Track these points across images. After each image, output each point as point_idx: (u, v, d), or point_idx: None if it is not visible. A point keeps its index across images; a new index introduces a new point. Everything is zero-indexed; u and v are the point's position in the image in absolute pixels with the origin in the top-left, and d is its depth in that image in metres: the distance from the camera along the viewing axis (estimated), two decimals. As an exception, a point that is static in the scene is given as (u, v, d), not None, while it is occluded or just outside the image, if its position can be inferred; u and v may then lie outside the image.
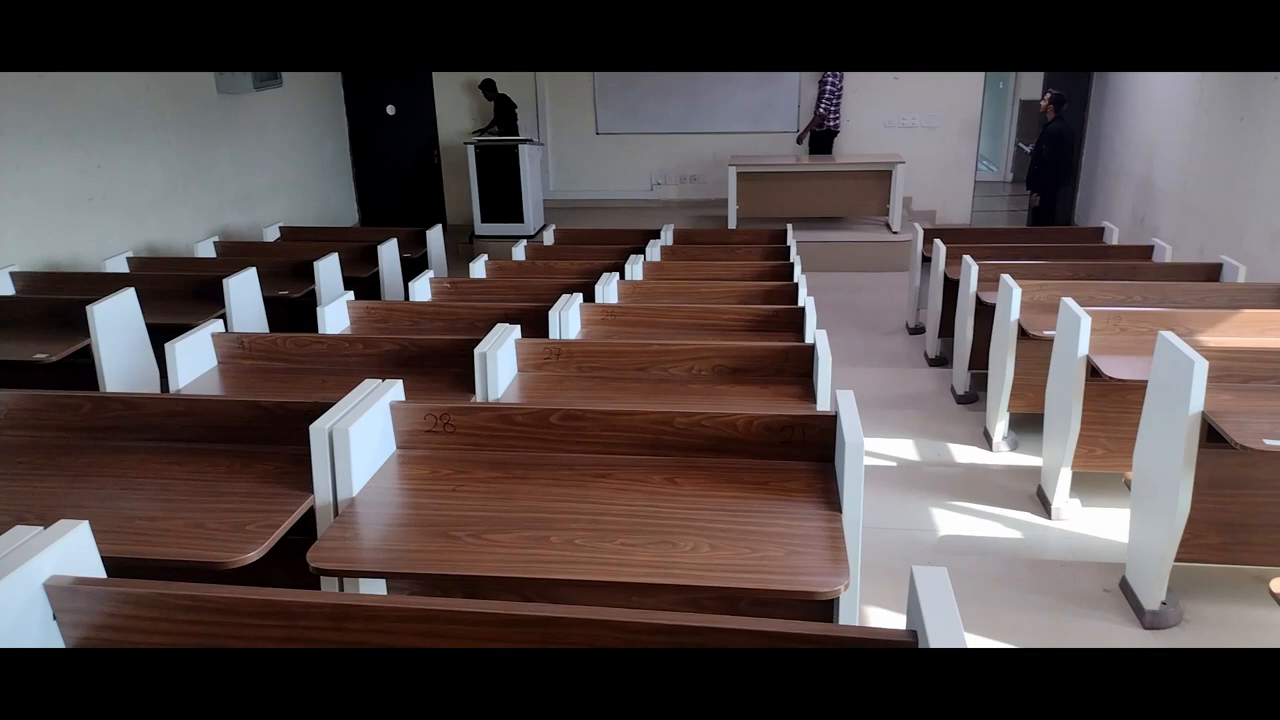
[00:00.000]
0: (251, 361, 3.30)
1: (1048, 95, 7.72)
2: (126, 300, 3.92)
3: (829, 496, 2.03)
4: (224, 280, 4.30)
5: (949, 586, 1.29)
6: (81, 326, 3.74)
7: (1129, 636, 3.00)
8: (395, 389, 2.35)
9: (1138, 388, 3.18)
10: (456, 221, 9.53)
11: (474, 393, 2.92)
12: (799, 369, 3.02)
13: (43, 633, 1.44)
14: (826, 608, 1.96)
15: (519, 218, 8.46)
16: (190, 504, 2.11)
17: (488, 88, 9.06)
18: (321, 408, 2.20)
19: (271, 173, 7.84)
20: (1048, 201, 7.92)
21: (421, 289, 4.26)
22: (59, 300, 4.07)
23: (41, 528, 1.52)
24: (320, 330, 3.63)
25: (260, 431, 2.41)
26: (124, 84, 5.88)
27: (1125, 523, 3.29)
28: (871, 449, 4.39)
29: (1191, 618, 3.05)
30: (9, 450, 2.41)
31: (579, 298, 3.75)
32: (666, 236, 5.76)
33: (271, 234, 6.34)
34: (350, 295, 3.90)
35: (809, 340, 3.32)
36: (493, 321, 3.18)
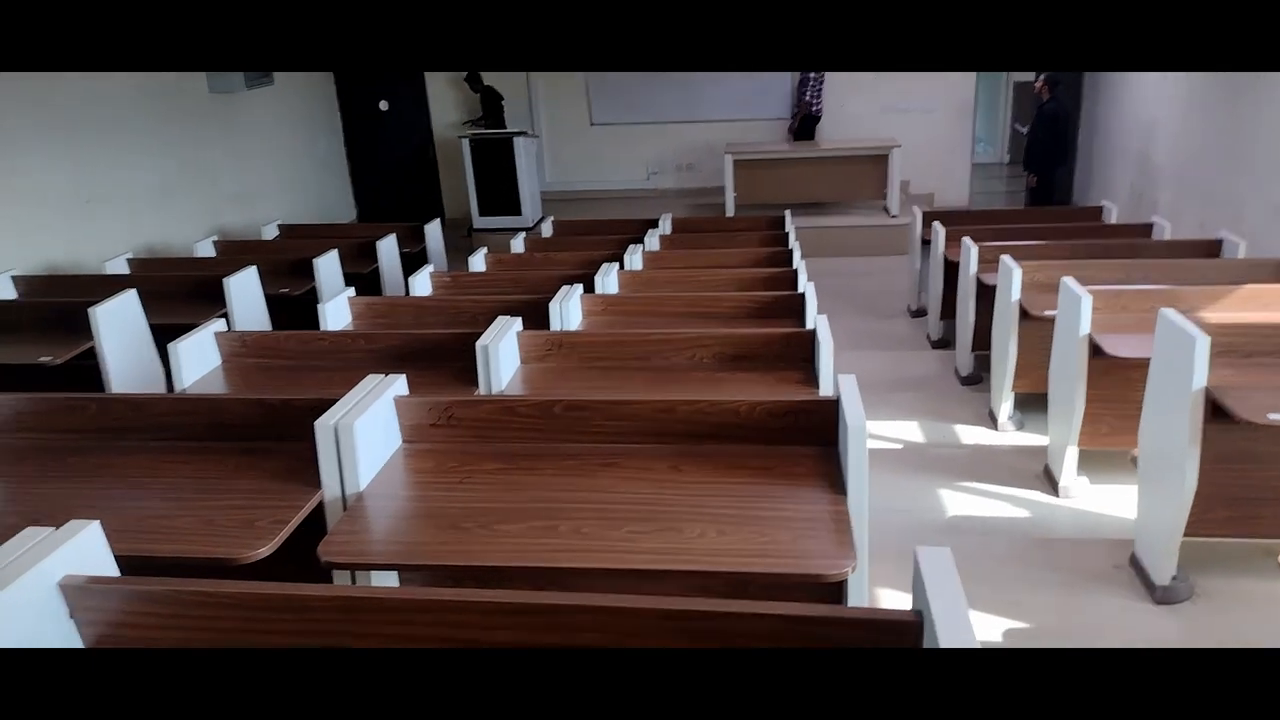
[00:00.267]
0: (255, 360, 3.30)
1: (1042, 76, 7.70)
2: (128, 301, 3.92)
3: (834, 480, 2.04)
4: (225, 279, 4.30)
5: (953, 566, 1.30)
6: (84, 329, 3.75)
7: (1139, 612, 3.01)
8: (399, 383, 2.35)
9: (1141, 365, 3.18)
10: (454, 215, 9.52)
11: (477, 386, 2.93)
12: (800, 354, 3.02)
13: (60, 631, 1.45)
14: (835, 590, 1.96)
15: (517, 210, 8.46)
16: (199, 502, 2.11)
17: (473, 79, 9.04)
18: (326, 404, 2.20)
19: (267, 171, 7.83)
20: (1045, 182, 7.91)
21: (422, 284, 4.26)
22: (61, 303, 4.08)
23: (53, 529, 1.52)
24: (322, 327, 3.63)
25: (266, 429, 2.41)
26: (116, 86, 5.87)
27: (1133, 499, 3.29)
28: (877, 432, 4.39)
29: (1202, 592, 3.06)
30: (18, 453, 2.42)
31: (579, 289, 3.75)
32: (665, 226, 5.76)
33: (270, 232, 6.34)
34: (351, 291, 3.90)
35: (810, 326, 3.32)
36: (494, 314, 3.18)
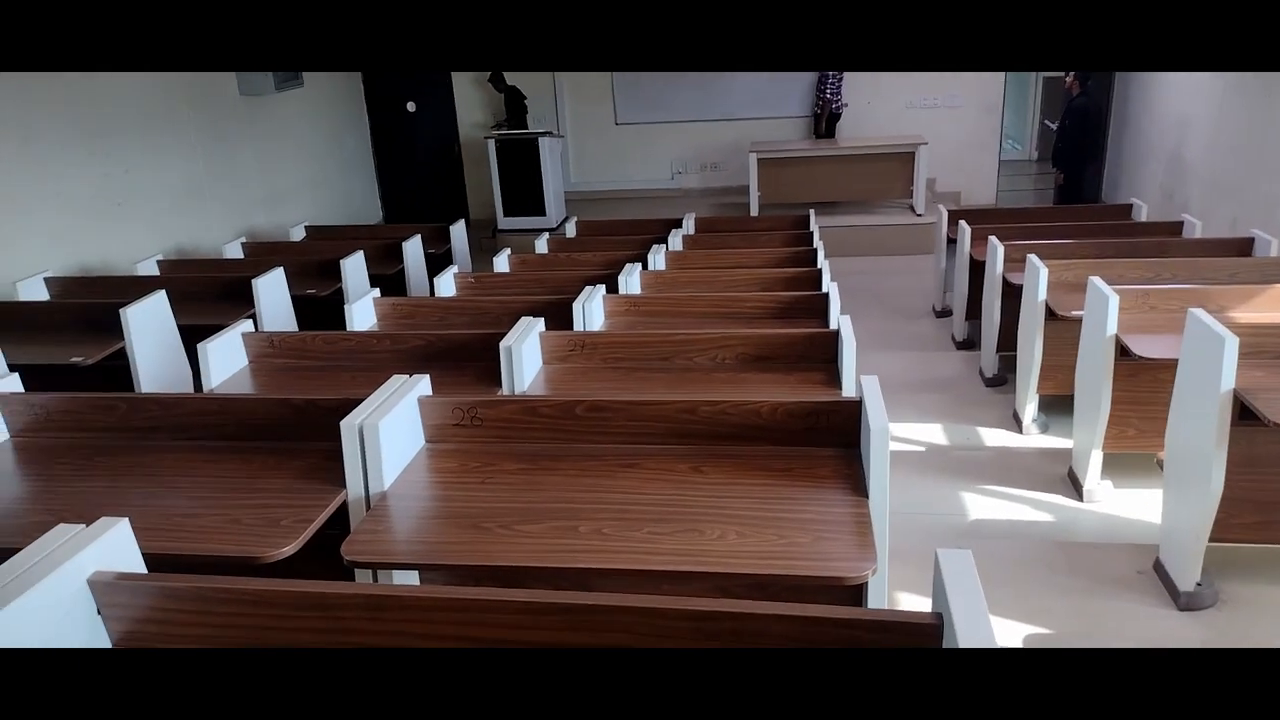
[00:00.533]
0: (282, 360, 3.34)
1: (1072, 71, 7.61)
2: (158, 302, 3.98)
3: (855, 482, 2.03)
4: (252, 280, 4.36)
5: (974, 569, 1.29)
6: (115, 329, 3.81)
7: (1163, 618, 2.97)
8: (423, 384, 2.37)
9: (1168, 366, 3.14)
10: (479, 216, 9.58)
11: (500, 386, 2.95)
12: (823, 355, 3.02)
13: (89, 627, 1.48)
14: (855, 593, 1.96)
15: (541, 211, 8.49)
16: (226, 501, 2.15)
17: (497, 80, 9.08)
18: (351, 404, 2.23)
19: (295, 173, 7.92)
20: (1074, 179, 7.83)
21: (446, 284, 4.29)
22: (93, 304, 4.15)
23: (83, 526, 1.55)
24: (348, 328, 3.67)
25: (292, 429, 2.45)
26: (147, 88, 5.96)
27: (1158, 504, 3.25)
28: (900, 434, 4.37)
29: (1227, 598, 3.02)
30: (49, 452, 2.47)
31: (602, 289, 3.76)
32: (688, 225, 5.76)
33: (297, 234, 6.41)
34: (376, 292, 3.94)
35: (833, 326, 3.32)
36: (517, 315, 3.20)
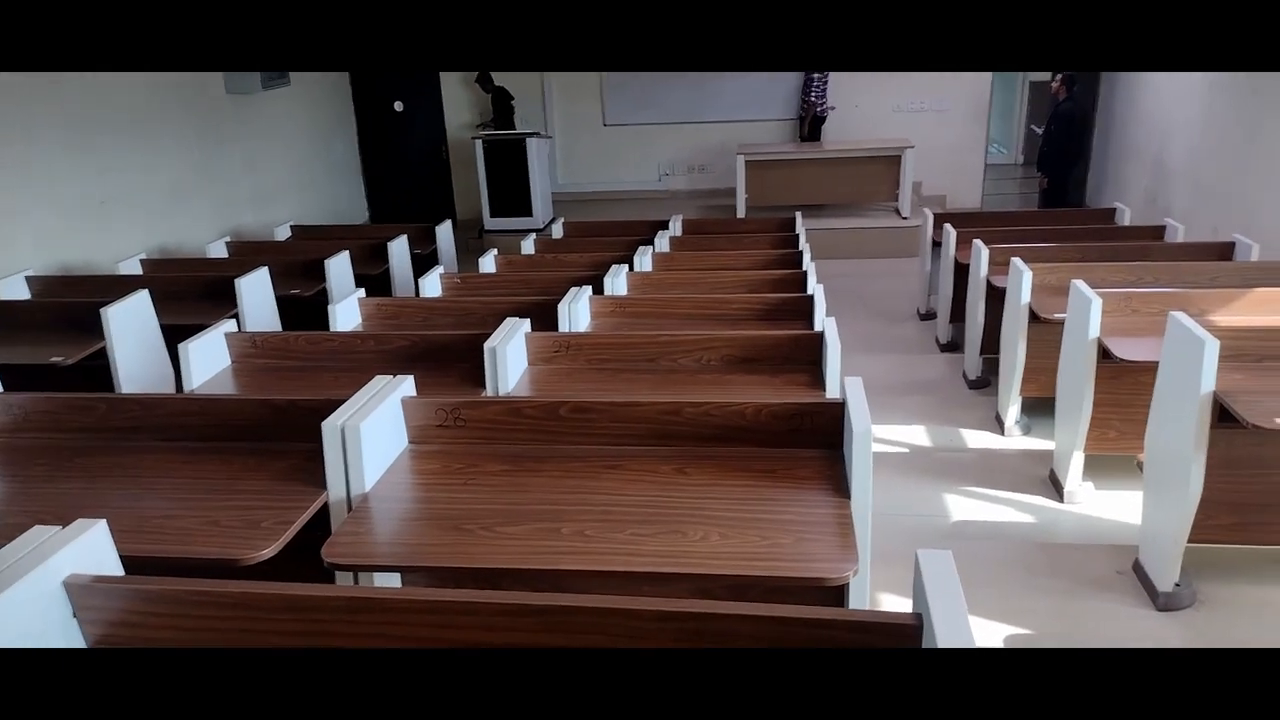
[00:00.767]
0: (264, 360, 3.33)
1: (1059, 76, 7.65)
2: (140, 302, 3.96)
3: (838, 483, 2.04)
4: (236, 280, 4.33)
5: (954, 569, 1.30)
6: (96, 329, 3.78)
7: (1142, 618, 2.99)
8: (406, 384, 2.37)
9: (1149, 369, 3.16)
10: (466, 216, 9.55)
11: (485, 387, 2.94)
12: (808, 357, 3.03)
13: (63, 630, 1.47)
14: (837, 594, 1.96)
15: (528, 211, 8.48)
16: (205, 502, 2.13)
17: (484, 80, 9.07)
18: (333, 405, 2.22)
19: (282, 172, 7.88)
20: (1058, 183, 7.87)
21: (432, 285, 4.28)
22: (74, 303, 4.11)
23: (60, 527, 1.54)
24: (332, 328, 3.65)
25: (273, 429, 2.43)
26: (133, 87, 5.92)
27: (1138, 505, 3.28)
28: (884, 435, 4.39)
29: (1205, 599, 3.04)
30: (27, 452, 2.44)
31: (588, 290, 3.76)
32: (675, 227, 5.76)
33: (283, 233, 6.38)
34: (361, 292, 3.93)
35: (818, 328, 3.32)
36: (503, 316, 3.19)
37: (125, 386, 3.79)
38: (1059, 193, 7.89)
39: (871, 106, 9.26)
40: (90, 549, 1.53)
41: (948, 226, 5.43)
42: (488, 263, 4.80)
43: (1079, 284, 3.61)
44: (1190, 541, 2.93)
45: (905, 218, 8.21)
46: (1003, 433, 4.38)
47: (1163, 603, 3.01)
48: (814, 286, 3.72)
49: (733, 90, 9.42)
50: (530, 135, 8.39)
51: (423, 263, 5.70)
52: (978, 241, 4.75)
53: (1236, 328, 3.12)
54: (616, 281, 4.09)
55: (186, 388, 3.09)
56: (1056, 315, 3.85)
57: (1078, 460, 3.69)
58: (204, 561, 1.90)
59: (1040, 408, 4.33)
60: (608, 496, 2.05)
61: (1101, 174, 8.87)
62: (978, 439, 4.37)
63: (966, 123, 9.25)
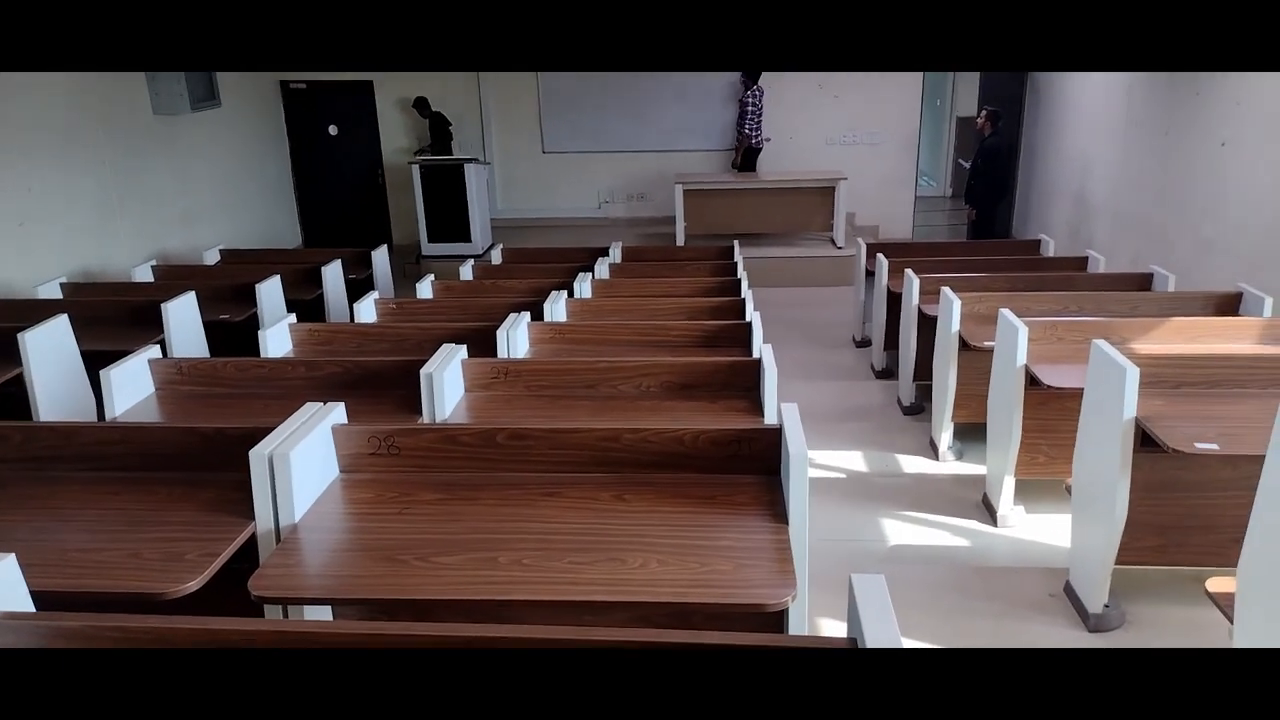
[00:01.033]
0: (190, 387, 3.23)
1: (984, 112, 7.92)
2: (59, 327, 3.82)
3: (776, 509, 2.04)
4: (162, 305, 4.21)
5: (886, 593, 1.31)
6: (13, 355, 3.63)
7: (1074, 639, 3.06)
8: (337, 412, 2.31)
9: (1075, 395, 3.25)
10: (403, 242, 9.45)
11: (420, 414, 2.89)
12: (746, 383, 3.05)
13: (-33, 672, 1.39)
14: (777, 619, 1.97)
15: (466, 237, 8.43)
16: (126, 534, 2.05)
17: (421, 105, 9.03)
18: (262, 433, 2.16)
19: (211, 194, 7.71)
20: (985, 215, 8.12)
21: (367, 310, 4.22)
22: (-12, 328, 3.95)
23: (-35, 563, 1.46)
24: (262, 354, 3.57)
25: (199, 459, 2.36)
26: (55, 105, 5.75)
27: (1068, 528, 3.36)
28: (821, 461, 4.43)
29: (1134, 619, 3.12)
30: (-67, 484, 2.32)
31: (527, 316, 3.74)
32: (615, 254, 5.78)
33: (212, 257, 6.24)
34: (292, 318, 3.84)
35: (756, 355, 3.35)
36: (439, 342, 3.15)
37: (44, 415, 3.64)
38: (987, 224, 8.13)
39: (805, 139, 9.46)
40: (-3, 585, 1.46)
41: (880, 256, 5.54)
42: (425, 288, 4.74)
43: (1006, 313, 3.71)
44: (1118, 563, 3.01)
45: (840, 247, 8.37)
46: (937, 458, 4.46)
47: (1093, 624, 3.08)
48: (752, 314, 3.76)
49: (670, 119, 9.53)
50: (469, 161, 8.36)
51: (358, 288, 5.62)
52: (909, 271, 4.86)
53: (1155, 355, 3.23)
54: (556, 308, 4.08)
55: (108, 416, 2.98)
56: (986, 343, 3.95)
57: (1009, 485, 3.77)
58: (125, 596, 1.82)
59: (973, 433, 4.42)
60: (546, 524, 2.03)
61: (1026, 207, 9.18)
62: (913, 464, 4.44)
63: (897, 155, 9.50)
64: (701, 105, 9.47)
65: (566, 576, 1.81)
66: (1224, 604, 2.28)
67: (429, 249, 8.49)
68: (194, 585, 1.84)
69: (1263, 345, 3.70)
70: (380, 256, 6.18)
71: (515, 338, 3.56)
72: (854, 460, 4.48)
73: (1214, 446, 2.72)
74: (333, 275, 5.57)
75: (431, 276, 4.86)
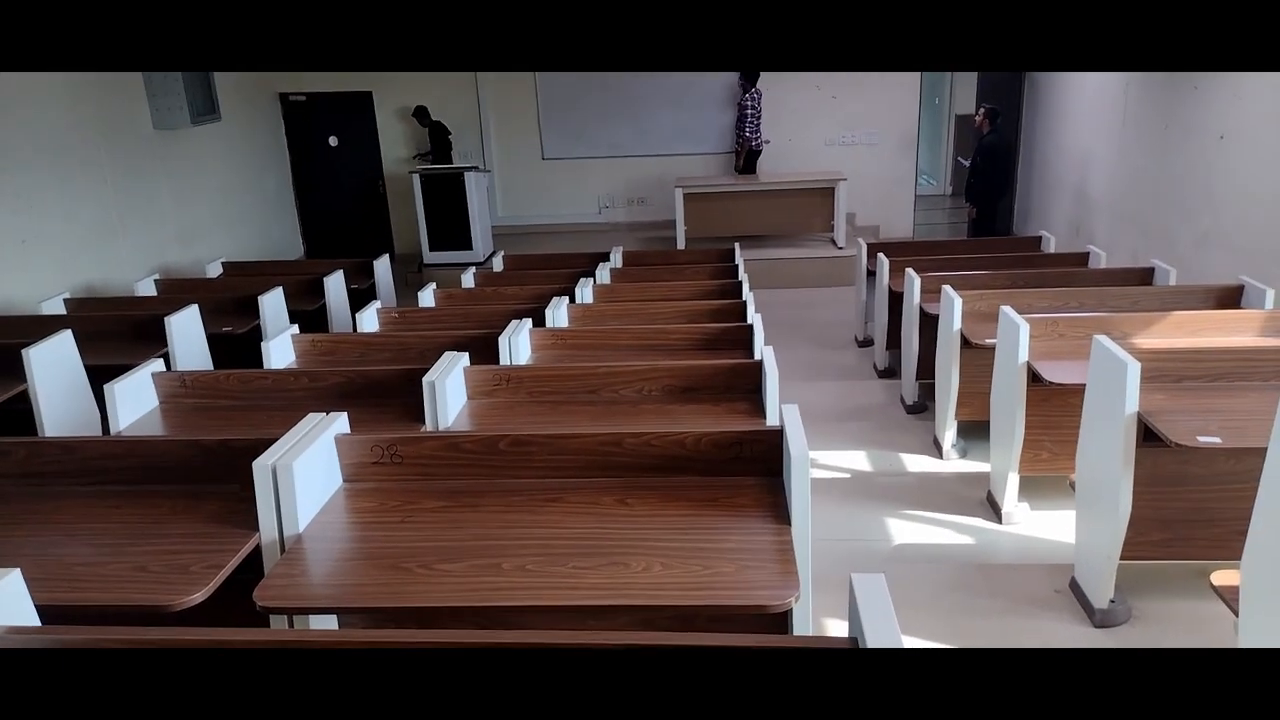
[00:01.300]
0: (194, 400, 3.24)
1: (982, 110, 7.92)
2: (63, 342, 3.83)
3: (778, 510, 2.05)
4: (165, 318, 4.23)
5: (886, 592, 1.31)
6: (18, 371, 3.65)
7: (1080, 635, 3.05)
8: (340, 421, 2.32)
9: (1077, 391, 3.25)
10: (404, 251, 9.48)
11: (424, 422, 2.90)
12: (748, 385, 3.05)
13: (-25, 687, 1.40)
14: (780, 621, 1.97)
15: (467, 245, 8.45)
16: (131, 547, 2.06)
17: (421, 115, 9.06)
18: (265, 444, 2.17)
19: (213, 208, 7.74)
20: (985, 213, 8.11)
21: (369, 320, 4.23)
22: (-7, 345, 3.96)
23: (-30, 578, 1.47)
24: (265, 366, 3.58)
25: (203, 471, 2.37)
26: (56, 121, 5.77)
27: (1073, 524, 3.36)
28: (825, 461, 4.43)
29: (1140, 614, 3.11)
30: (-60, 501, 2.34)
31: (528, 323, 3.75)
32: (615, 259, 5.79)
33: (214, 270, 6.26)
34: (295, 329, 3.86)
35: (758, 357, 3.36)
36: (442, 350, 3.16)
37: (49, 430, 3.66)
38: (987, 222, 8.13)
39: (805, 140, 9.47)
40: (1, 600, 1.47)
41: (881, 256, 5.54)
42: (427, 297, 4.76)
43: (1008, 310, 3.71)
44: (1123, 558, 3.01)
45: (840, 248, 8.37)
46: (940, 456, 4.45)
47: (1099, 620, 3.07)
48: (753, 316, 3.76)
49: (668, 124, 9.55)
50: (469, 169, 8.39)
51: (360, 298, 5.63)
52: (910, 270, 4.86)
53: (1157, 350, 3.23)
54: (557, 314, 4.09)
55: (113, 430, 2.99)
56: (987, 341, 3.95)
57: (1013, 482, 3.77)
58: (130, 609, 1.83)
59: (976, 431, 4.42)
60: (549, 530, 2.03)
61: (1027, 204, 9.17)
62: (916, 463, 4.43)
63: (896, 155, 9.51)
64: (700, 109, 9.49)
65: (570, 581, 1.82)
66: (1229, 597, 2.28)
67: (431, 257, 8.51)
68: (199, 597, 1.85)
69: (1264, 338, 3.70)
70: (382, 266, 6.20)
71: (517, 344, 3.57)
72: (858, 460, 4.48)
73: (1217, 440, 2.72)
74: (335, 286, 5.59)
75: (433, 285, 4.87)
